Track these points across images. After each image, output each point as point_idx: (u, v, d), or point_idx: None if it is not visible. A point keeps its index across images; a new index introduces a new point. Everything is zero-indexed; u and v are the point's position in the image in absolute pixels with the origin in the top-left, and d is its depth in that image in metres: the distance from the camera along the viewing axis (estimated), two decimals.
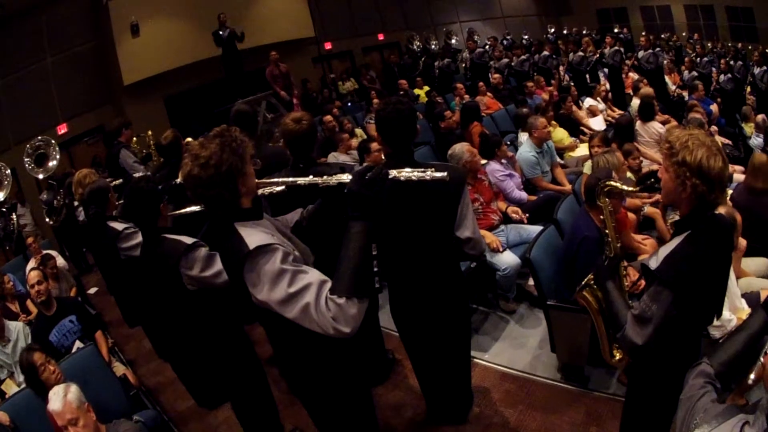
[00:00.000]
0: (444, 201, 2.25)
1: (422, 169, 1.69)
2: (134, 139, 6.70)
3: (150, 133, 6.76)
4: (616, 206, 2.96)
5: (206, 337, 2.60)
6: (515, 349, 3.58)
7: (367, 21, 12.99)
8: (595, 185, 2.45)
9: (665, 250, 1.72)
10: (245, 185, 1.68)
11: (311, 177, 1.89)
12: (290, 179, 1.96)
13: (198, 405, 3.56)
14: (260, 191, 2.06)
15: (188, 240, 2.41)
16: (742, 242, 3.19)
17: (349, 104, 10.21)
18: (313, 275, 1.57)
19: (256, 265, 1.58)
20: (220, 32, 8.78)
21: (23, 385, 3.32)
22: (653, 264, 1.71)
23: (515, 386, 3.22)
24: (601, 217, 2.13)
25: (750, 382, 1.39)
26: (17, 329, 3.72)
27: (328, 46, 12.18)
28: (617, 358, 2.24)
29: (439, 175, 1.67)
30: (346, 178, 1.72)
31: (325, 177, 1.82)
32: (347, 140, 5.80)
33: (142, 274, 2.80)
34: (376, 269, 1.55)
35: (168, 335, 3.44)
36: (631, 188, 2.21)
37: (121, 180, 4.79)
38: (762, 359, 1.37)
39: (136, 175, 3.88)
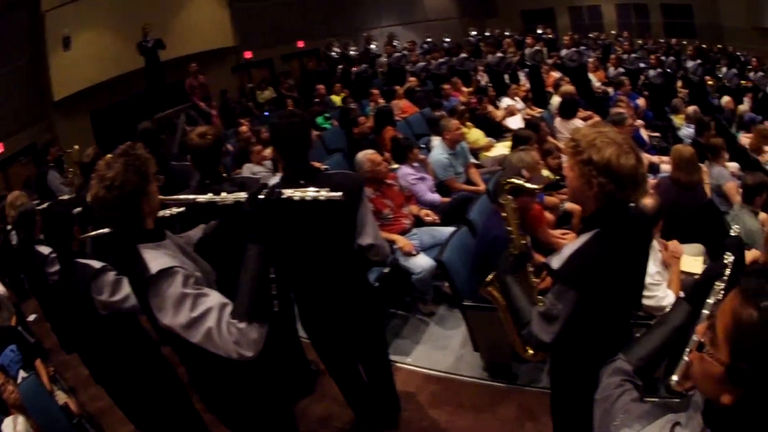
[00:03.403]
0: (341, 212, 2.24)
1: (316, 189, 1.69)
2: (69, 152, 6.52)
3: (77, 147, 6.47)
4: (528, 203, 2.98)
5: (124, 361, 2.56)
6: (438, 351, 3.59)
7: (289, 28, 12.69)
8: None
9: (570, 249, 1.69)
10: (149, 204, 1.69)
11: (210, 195, 1.87)
12: (190, 197, 1.94)
13: (137, 429, 3.50)
14: (163, 213, 2.06)
15: (97, 264, 2.36)
16: (678, 247, 3.01)
17: (266, 113, 9.93)
18: (214, 298, 1.57)
19: (160, 289, 1.58)
20: (144, 42, 8.66)
21: None
22: (556, 263, 1.68)
23: (441, 387, 3.25)
24: (504, 214, 2.11)
25: (673, 383, 1.28)
26: None
27: (248, 54, 12.01)
28: (530, 352, 2.22)
29: (333, 194, 1.67)
30: (243, 196, 1.71)
31: (223, 195, 1.81)
32: (260, 151, 5.65)
33: (62, 299, 2.75)
34: (274, 293, 1.56)
35: (95, 360, 3.37)
36: (533, 186, 2.18)
37: (49, 203, 4.64)
38: (686, 357, 1.26)
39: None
